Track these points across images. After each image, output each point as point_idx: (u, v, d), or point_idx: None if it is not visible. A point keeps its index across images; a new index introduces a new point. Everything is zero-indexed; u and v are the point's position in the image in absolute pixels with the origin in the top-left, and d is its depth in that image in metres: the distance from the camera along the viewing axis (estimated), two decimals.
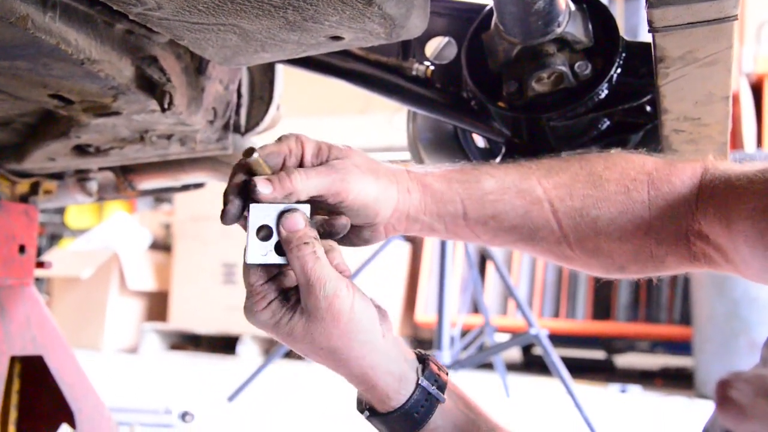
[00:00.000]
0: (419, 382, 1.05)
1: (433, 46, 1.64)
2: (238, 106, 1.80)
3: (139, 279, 6.53)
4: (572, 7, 1.38)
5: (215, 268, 6.30)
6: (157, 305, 6.74)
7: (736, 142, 4.74)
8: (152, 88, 1.41)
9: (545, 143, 1.49)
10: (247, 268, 1.01)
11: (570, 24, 1.37)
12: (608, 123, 1.47)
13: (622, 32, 1.43)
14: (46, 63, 1.24)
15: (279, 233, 0.99)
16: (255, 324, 1.02)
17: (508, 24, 1.35)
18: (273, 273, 1.02)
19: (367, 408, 1.08)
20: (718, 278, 4.53)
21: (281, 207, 0.99)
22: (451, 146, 1.71)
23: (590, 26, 1.40)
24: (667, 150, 1.32)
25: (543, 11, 1.28)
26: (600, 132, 1.48)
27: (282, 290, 1.02)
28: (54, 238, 9.42)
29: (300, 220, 0.98)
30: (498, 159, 1.55)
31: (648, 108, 1.42)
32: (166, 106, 1.39)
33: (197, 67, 1.57)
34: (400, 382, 1.04)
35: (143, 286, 6.58)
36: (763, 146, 4.75)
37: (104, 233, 6.65)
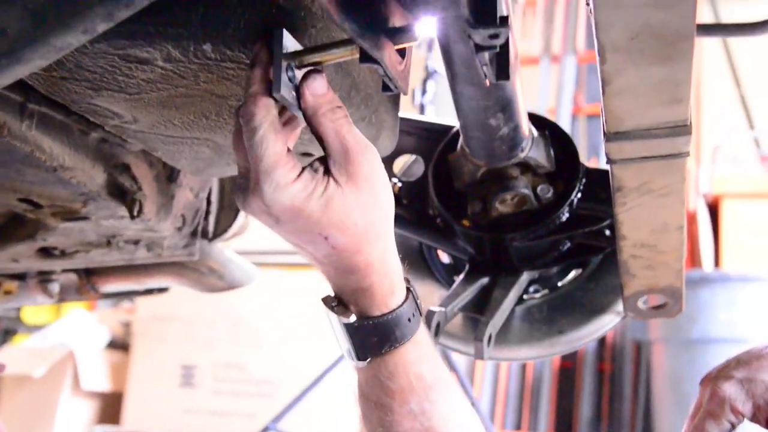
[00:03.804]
0: (410, 288, 1.03)
1: (401, 162, 1.69)
2: (207, 213, 1.82)
3: (93, 379, 6.34)
4: (535, 133, 1.44)
5: (174, 370, 6.15)
6: (111, 407, 6.53)
7: (695, 261, 4.84)
8: (123, 195, 1.43)
9: (508, 262, 1.52)
10: (269, 131, 0.89)
11: (533, 149, 1.42)
12: (569, 245, 1.51)
13: (584, 150, 1.49)
14: (19, 169, 1.25)
15: (302, 97, 0.90)
16: (277, 203, 0.89)
17: (473, 147, 1.40)
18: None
19: (356, 314, 1.00)
20: (679, 393, 4.53)
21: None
22: (417, 262, 1.73)
23: (552, 152, 1.46)
24: (625, 275, 1.36)
25: (507, 137, 1.34)
26: (561, 253, 1.52)
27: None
28: (8, 333, 9.16)
29: (325, 83, 0.90)
30: (462, 276, 1.58)
31: (607, 232, 1.47)
32: (135, 213, 1.41)
33: (169, 174, 1.59)
34: (400, 277, 1.01)
35: (98, 387, 6.39)
36: (720, 266, 4.86)
37: (61, 330, 6.50)
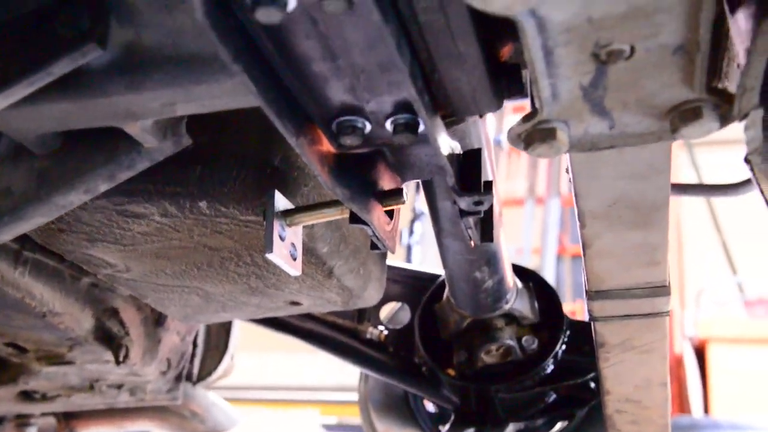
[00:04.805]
0: None
1: (387, 310, 1.70)
2: (193, 355, 1.81)
3: None
4: (519, 284, 1.47)
5: None
6: None
7: (684, 406, 4.79)
8: (110, 340, 1.43)
9: (494, 413, 1.52)
10: None
11: (517, 301, 1.45)
12: (555, 396, 1.51)
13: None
14: (8, 314, 1.26)
15: None
16: None
17: (459, 298, 1.43)
18: None
19: None
20: None
21: None
22: (402, 409, 1.72)
23: (536, 304, 1.48)
24: (611, 429, 1.35)
25: (492, 289, 1.37)
26: (547, 405, 1.52)
27: None
28: None
29: None
30: (447, 426, 1.56)
31: (592, 385, 1.48)
32: (121, 359, 1.41)
33: (156, 318, 1.60)
34: None
35: None
36: (710, 412, 4.80)
37: None
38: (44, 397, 1.65)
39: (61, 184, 0.82)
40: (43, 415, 1.93)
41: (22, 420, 1.91)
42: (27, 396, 1.64)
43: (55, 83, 0.70)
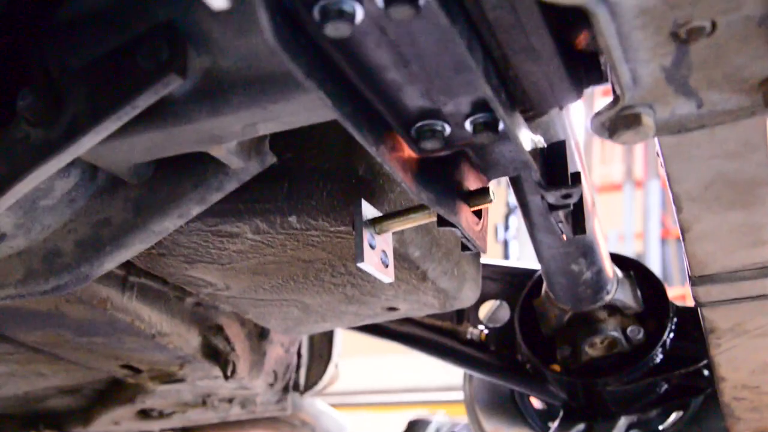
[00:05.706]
0: None
1: (486, 308, 1.69)
2: (298, 366, 1.85)
3: None
4: (620, 274, 1.43)
5: None
6: None
7: None
8: (217, 356, 1.47)
9: (603, 407, 1.48)
10: None
11: (619, 291, 1.41)
12: (666, 386, 1.46)
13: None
14: (120, 337, 1.32)
15: None
16: None
17: (558, 292, 1.40)
18: None
19: None
20: None
21: None
22: (509, 408, 1.70)
23: (639, 292, 1.44)
24: (730, 418, 1.30)
25: (591, 281, 1.33)
26: (659, 396, 1.47)
27: None
28: None
29: None
30: (556, 423, 1.54)
31: (706, 372, 1.42)
32: (229, 374, 1.45)
33: (260, 332, 1.64)
34: None
35: None
36: None
37: None
38: (161, 414, 1.71)
39: (155, 211, 0.85)
40: (162, 431, 2.00)
41: None
42: (145, 414, 1.71)
43: (141, 115, 0.72)
